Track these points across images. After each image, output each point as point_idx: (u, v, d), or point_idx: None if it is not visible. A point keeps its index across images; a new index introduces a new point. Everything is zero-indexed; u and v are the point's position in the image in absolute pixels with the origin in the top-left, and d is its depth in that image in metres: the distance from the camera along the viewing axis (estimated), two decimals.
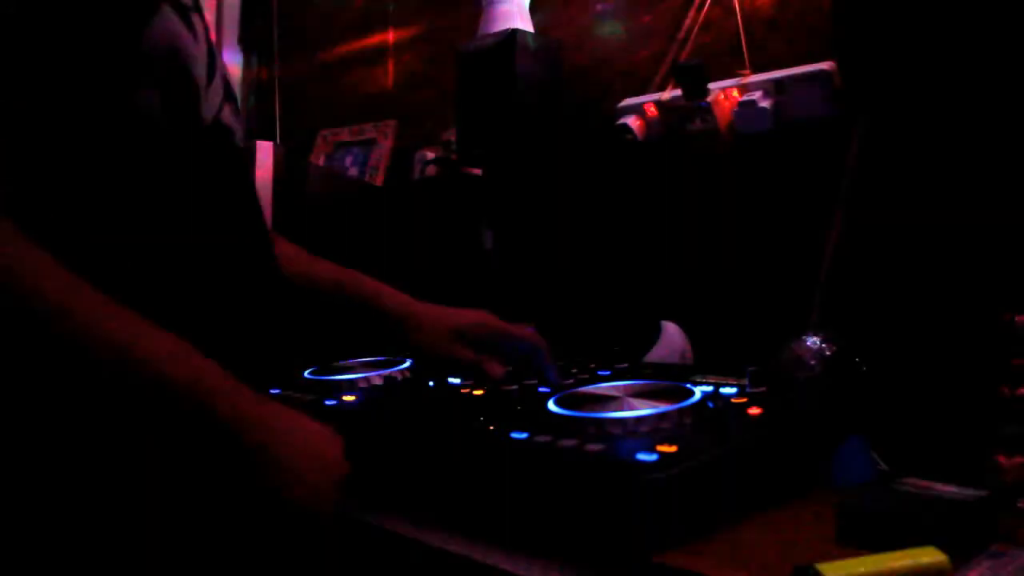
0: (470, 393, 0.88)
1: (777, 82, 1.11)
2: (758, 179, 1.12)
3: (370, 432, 0.81)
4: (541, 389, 0.86)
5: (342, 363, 1.04)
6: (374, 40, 1.93)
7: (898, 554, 0.52)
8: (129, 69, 0.61)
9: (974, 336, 0.81)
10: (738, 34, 1.21)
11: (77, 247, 0.57)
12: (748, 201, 1.12)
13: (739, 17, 1.22)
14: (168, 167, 0.64)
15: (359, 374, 0.95)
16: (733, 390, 0.80)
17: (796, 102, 1.09)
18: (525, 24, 1.39)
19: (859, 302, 0.96)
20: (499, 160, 1.36)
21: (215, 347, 0.60)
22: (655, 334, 1.09)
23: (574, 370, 0.94)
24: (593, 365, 0.97)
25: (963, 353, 0.83)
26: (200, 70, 0.67)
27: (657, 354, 1.08)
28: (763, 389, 0.79)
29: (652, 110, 1.23)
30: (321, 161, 1.92)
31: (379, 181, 1.77)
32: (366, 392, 0.92)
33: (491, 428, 0.73)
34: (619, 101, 1.29)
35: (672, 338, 1.10)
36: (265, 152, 1.34)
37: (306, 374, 0.98)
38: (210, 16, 2.11)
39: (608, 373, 0.93)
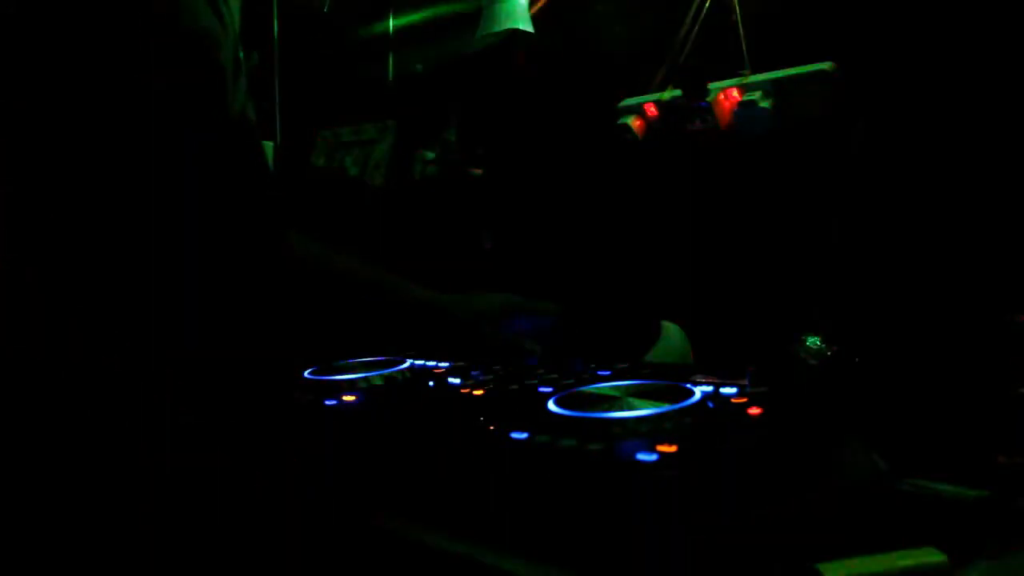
0: (470, 393, 0.88)
1: (777, 82, 1.11)
2: (758, 179, 1.12)
3: (370, 432, 0.81)
4: (541, 389, 0.86)
5: (342, 363, 1.04)
6: (374, 39, 1.93)
7: (898, 554, 0.52)
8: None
9: (974, 336, 0.81)
10: (738, 34, 1.21)
11: (94, 239, 0.58)
12: (748, 201, 1.12)
13: (739, 17, 1.22)
14: (195, 157, 0.64)
15: (359, 374, 0.95)
16: (733, 390, 0.80)
17: (796, 102, 1.09)
18: (525, 24, 1.39)
19: (859, 302, 0.96)
20: (499, 160, 1.36)
21: (223, 342, 0.60)
22: (655, 334, 1.09)
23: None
24: (593, 365, 0.97)
25: (963, 353, 0.84)
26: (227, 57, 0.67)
27: (657, 354, 1.08)
28: (763, 389, 0.79)
29: (652, 110, 1.23)
30: (321, 161, 1.92)
31: (379, 181, 1.77)
32: (366, 392, 0.92)
33: (491, 428, 0.73)
34: (619, 101, 1.29)
35: (672, 338, 1.10)
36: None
37: (306, 374, 0.98)
38: None
39: (608, 373, 0.93)
